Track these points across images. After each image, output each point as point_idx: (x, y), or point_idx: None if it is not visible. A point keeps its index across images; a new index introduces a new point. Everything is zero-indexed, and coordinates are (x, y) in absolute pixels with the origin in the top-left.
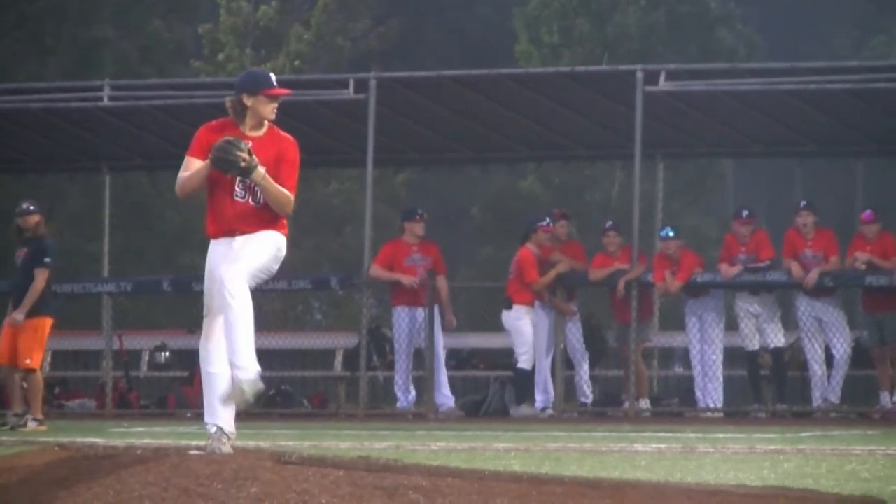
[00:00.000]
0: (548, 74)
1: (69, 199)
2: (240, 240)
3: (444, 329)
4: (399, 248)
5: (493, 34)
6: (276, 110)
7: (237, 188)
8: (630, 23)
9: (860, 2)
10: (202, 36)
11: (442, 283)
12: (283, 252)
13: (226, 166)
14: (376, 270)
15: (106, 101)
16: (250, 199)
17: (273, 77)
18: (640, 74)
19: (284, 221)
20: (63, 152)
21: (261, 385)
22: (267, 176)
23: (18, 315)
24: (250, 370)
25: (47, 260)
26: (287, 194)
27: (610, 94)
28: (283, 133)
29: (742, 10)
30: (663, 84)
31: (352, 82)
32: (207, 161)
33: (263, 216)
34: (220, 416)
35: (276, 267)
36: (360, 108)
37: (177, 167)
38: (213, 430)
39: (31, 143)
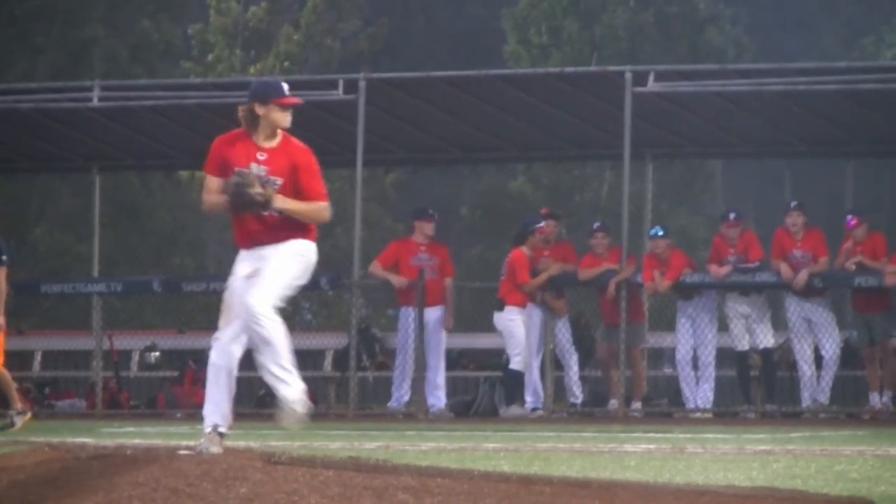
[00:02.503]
0: (537, 75)
1: (59, 200)
2: (268, 250)
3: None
4: (406, 247)
5: (482, 35)
6: (289, 118)
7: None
8: (618, 23)
9: (848, 2)
10: (192, 36)
11: (448, 284)
12: (313, 258)
13: (244, 209)
14: (375, 268)
15: (96, 102)
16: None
17: (285, 86)
18: (628, 75)
19: (312, 226)
20: (53, 152)
21: (309, 403)
22: (287, 200)
23: (0, 317)
24: (296, 391)
25: (4, 258)
26: (313, 207)
27: (599, 95)
28: (296, 141)
29: (731, 10)
30: (652, 85)
31: (341, 83)
32: (225, 199)
33: (290, 225)
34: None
35: (306, 276)
36: (349, 109)
37: (167, 167)
38: (208, 430)
39: (22, 143)
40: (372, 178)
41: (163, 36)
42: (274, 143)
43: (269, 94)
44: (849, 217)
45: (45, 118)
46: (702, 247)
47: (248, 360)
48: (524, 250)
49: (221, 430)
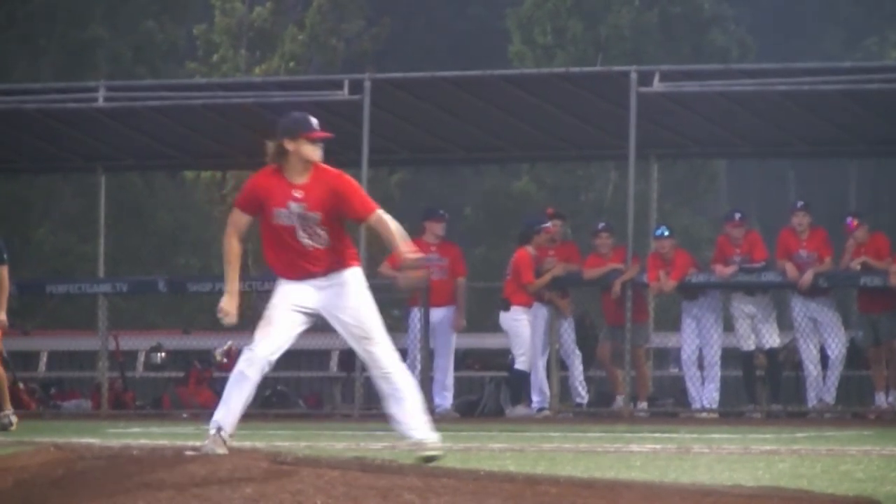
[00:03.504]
0: (541, 75)
1: (64, 200)
2: (322, 282)
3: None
4: (417, 247)
5: (483, 35)
6: (320, 152)
7: (302, 237)
8: (623, 23)
9: (849, 3)
10: (197, 37)
11: (460, 284)
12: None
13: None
14: (384, 268)
15: (101, 102)
16: (318, 244)
17: (314, 120)
18: (633, 75)
19: (353, 251)
20: (58, 153)
21: (439, 444)
22: (410, 248)
23: (2, 315)
24: (432, 435)
25: (5, 256)
26: (395, 229)
27: (604, 95)
28: (327, 168)
29: (734, 10)
30: (657, 85)
31: (346, 83)
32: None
33: (334, 255)
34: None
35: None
36: (354, 109)
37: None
38: (213, 431)
39: (26, 143)
40: (376, 179)
41: (167, 36)
42: (307, 177)
43: (298, 130)
44: (848, 219)
45: (50, 119)
46: (705, 247)
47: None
48: (529, 250)
49: (224, 434)
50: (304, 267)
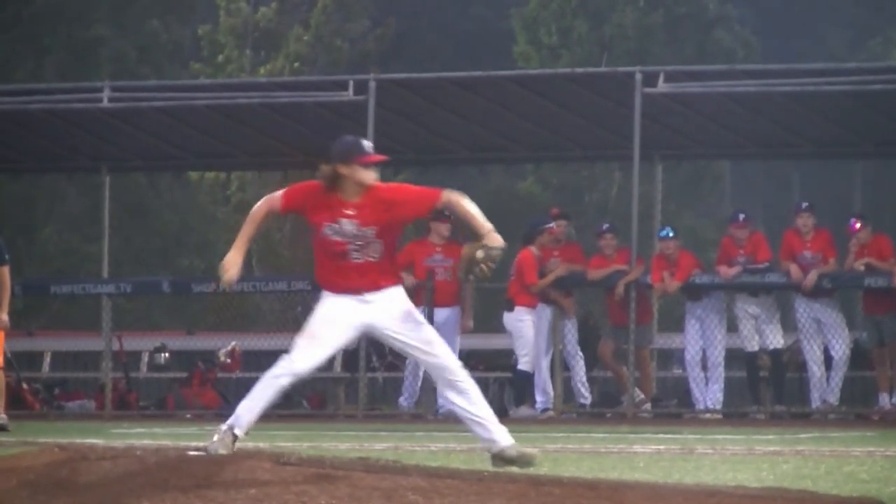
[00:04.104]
0: (546, 76)
1: (68, 200)
2: (372, 296)
3: (461, 332)
4: (422, 248)
5: (488, 35)
6: (374, 175)
7: (353, 252)
8: (628, 24)
9: (853, 4)
10: (201, 37)
11: (466, 285)
12: None
13: (469, 273)
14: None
15: (106, 103)
16: (369, 257)
17: (367, 144)
18: (638, 76)
19: (398, 269)
20: (62, 153)
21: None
22: (495, 237)
23: (5, 316)
24: (505, 435)
25: (7, 256)
26: (475, 210)
27: (608, 96)
28: (380, 186)
29: (739, 11)
30: (662, 86)
31: (351, 84)
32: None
33: (382, 270)
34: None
35: None
36: (359, 110)
37: (176, 168)
38: (225, 427)
39: (31, 143)
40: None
41: (171, 36)
42: (361, 196)
43: (351, 154)
44: (852, 220)
45: (55, 119)
46: (709, 248)
47: (253, 362)
48: (533, 250)
49: (239, 432)
50: (351, 280)
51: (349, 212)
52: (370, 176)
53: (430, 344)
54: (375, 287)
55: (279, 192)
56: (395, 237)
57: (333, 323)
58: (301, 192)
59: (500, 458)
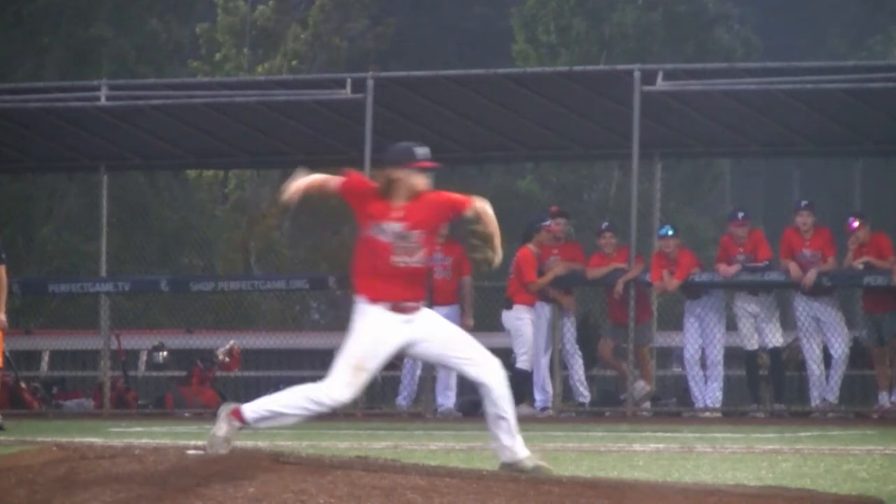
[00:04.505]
0: (545, 74)
1: (67, 199)
2: (425, 314)
3: None
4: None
5: (488, 34)
6: (427, 181)
7: (398, 254)
8: (627, 22)
9: (853, 2)
10: (199, 36)
11: (466, 283)
12: None
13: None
14: None
15: (104, 101)
16: (412, 262)
17: (421, 150)
18: (637, 74)
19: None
20: (61, 152)
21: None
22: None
23: (3, 315)
24: (527, 452)
25: (4, 255)
26: (495, 228)
27: (607, 94)
28: (431, 194)
29: (738, 9)
30: (661, 84)
31: (349, 82)
32: (330, 187)
33: (422, 278)
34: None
35: None
36: (357, 108)
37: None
38: (238, 424)
39: (29, 142)
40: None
41: (170, 35)
42: (409, 201)
43: (404, 159)
44: (850, 219)
45: (53, 118)
46: (709, 246)
47: (252, 361)
48: (531, 248)
49: (237, 426)
50: (392, 286)
51: (397, 214)
52: (423, 181)
53: (471, 359)
54: (414, 297)
55: (339, 180)
56: (434, 243)
57: (380, 355)
58: (362, 182)
59: (514, 468)
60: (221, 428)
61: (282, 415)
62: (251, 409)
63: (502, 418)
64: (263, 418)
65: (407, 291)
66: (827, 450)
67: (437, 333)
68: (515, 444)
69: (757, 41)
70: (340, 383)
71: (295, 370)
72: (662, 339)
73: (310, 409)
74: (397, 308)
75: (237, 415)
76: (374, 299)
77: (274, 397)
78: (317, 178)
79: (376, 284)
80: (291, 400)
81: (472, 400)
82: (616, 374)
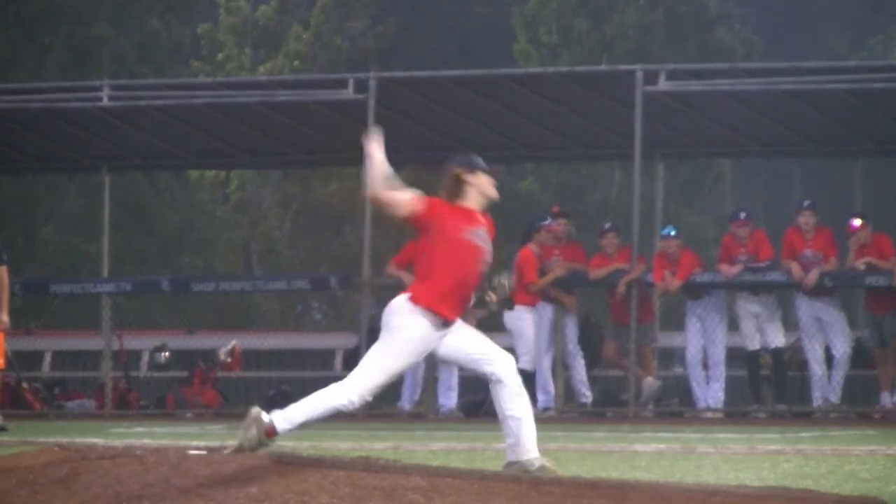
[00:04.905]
0: (547, 74)
1: (68, 199)
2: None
3: None
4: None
5: (489, 34)
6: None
7: (484, 261)
8: (628, 22)
9: (854, 2)
10: (201, 36)
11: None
12: None
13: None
14: (390, 267)
15: (105, 102)
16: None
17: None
18: (639, 74)
19: None
20: (62, 152)
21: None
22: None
23: (5, 316)
24: (537, 453)
25: (6, 256)
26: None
27: (609, 94)
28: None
29: (740, 9)
30: (662, 84)
31: (351, 82)
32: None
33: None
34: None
35: None
36: (359, 108)
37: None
38: (267, 420)
39: (31, 142)
40: None
41: (171, 35)
42: (483, 209)
43: (474, 165)
44: (851, 219)
45: (55, 118)
46: (710, 246)
47: (253, 361)
48: (532, 248)
49: (268, 426)
50: (461, 301)
51: (481, 219)
52: (492, 188)
53: (488, 358)
54: (463, 312)
55: (415, 200)
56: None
57: (411, 364)
58: (438, 202)
59: (519, 467)
60: (251, 430)
61: (311, 417)
62: (282, 424)
63: (516, 417)
64: (295, 429)
65: (464, 305)
66: (829, 450)
67: (453, 334)
68: (528, 444)
69: (758, 41)
70: (371, 386)
71: (296, 370)
72: (664, 340)
73: (336, 411)
74: (448, 324)
75: (271, 434)
76: (436, 311)
77: (301, 409)
78: (381, 174)
79: (453, 297)
80: (318, 408)
81: (473, 400)
82: (618, 375)
